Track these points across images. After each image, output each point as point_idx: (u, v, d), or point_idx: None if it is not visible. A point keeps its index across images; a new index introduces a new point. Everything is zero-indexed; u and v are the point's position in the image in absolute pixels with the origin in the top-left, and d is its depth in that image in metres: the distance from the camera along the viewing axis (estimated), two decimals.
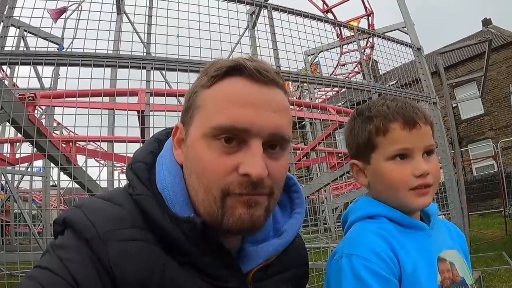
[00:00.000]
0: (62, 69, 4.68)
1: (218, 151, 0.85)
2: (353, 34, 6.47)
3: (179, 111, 4.18)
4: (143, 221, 0.86)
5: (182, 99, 3.95)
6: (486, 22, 29.17)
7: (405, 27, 6.65)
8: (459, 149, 7.42)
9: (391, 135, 1.16)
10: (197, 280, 0.86)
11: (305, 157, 6.59)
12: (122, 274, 0.78)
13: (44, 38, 4.60)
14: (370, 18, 10.72)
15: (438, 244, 1.18)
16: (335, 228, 9.03)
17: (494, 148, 18.73)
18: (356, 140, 1.25)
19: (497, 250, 8.58)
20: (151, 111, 3.57)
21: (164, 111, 3.59)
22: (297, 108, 6.04)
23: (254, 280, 0.95)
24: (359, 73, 11.61)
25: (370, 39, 7.82)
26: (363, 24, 10.65)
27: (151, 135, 3.43)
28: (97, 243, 0.79)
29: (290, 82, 4.37)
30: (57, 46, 5.18)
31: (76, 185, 4.96)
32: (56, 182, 9.95)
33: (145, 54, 3.81)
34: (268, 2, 4.63)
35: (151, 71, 3.66)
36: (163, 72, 3.96)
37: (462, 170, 7.85)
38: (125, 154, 3.74)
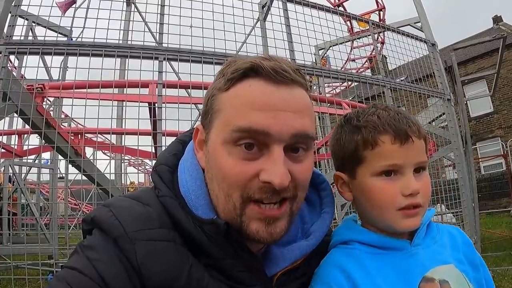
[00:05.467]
0: (71, 60, 4.62)
1: (238, 157, 0.83)
2: (363, 28, 6.37)
3: (192, 103, 4.13)
4: (170, 222, 0.87)
5: (194, 91, 3.90)
6: (497, 19, 28.98)
7: (418, 22, 6.54)
8: (471, 147, 7.32)
9: (380, 149, 1.04)
10: (222, 285, 0.85)
11: (314, 153, 6.52)
12: (149, 274, 0.78)
13: (52, 30, 4.54)
14: (381, 12, 10.61)
15: (425, 262, 1.06)
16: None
17: (503, 147, 18.61)
18: (342, 150, 1.12)
19: (506, 250, 8.49)
20: (163, 103, 3.49)
21: (177, 103, 3.51)
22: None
23: (279, 284, 0.93)
24: (369, 68, 11.52)
25: (381, 34, 7.72)
26: (374, 19, 10.55)
27: (163, 128, 3.37)
28: (125, 242, 0.80)
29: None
30: (66, 37, 5.13)
31: (84, 178, 4.92)
32: (63, 174, 9.94)
33: (157, 44, 3.73)
34: None
35: (164, 62, 3.59)
36: (175, 63, 3.86)
37: (474, 169, 7.75)
38: (135, 147, 3.66)
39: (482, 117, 24.00)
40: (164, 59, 3.61)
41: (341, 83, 8.94)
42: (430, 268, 1.05)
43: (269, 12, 4.50)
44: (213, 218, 0.86)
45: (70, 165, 4.62)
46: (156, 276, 0.79)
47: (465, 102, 8.17)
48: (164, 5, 3.93)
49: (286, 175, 0.82)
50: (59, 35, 4.72)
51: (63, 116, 7.94)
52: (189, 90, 3.83)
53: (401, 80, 5.59)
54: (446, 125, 6.06)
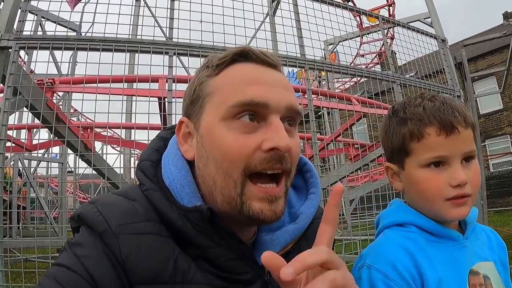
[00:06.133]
0: (80, 55, 4.64)
1: (238, 131, 0.85)
2: (373, 24, 6.33)
3: None
4: (156, 215, 0.86)
5: None
6: (507, 16, 28.64)
7: (428, 17, 6.49)
8: (481, 144, 7.29)
9: (426, 141, 1.05)
10: (209, 275, 0.85)
11: (323, 148, 6.53)
12: (134, 268, 0.79)
13: (61, 24, 4.56)
14: (391, 8, 10.55)
15: (472, 255, 1.08)
16: (350, 220, 8.98)
17: None
18: (391, 143, 1.15)
19: None
20: (173, 97, 3.50)
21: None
22: (315, 97, 5.97)
23: None
24: (378, 63, 11.48)
25: (391, 30, 7.68)
26: (383, 14, 10.49)
27: (173, 122, 3.38)
28: (109, 237, 0.80)
29: (311, 70, 4.28)
30: (75, 32, 5.15)
31: (93, 171, 4.95)
32: (72, 169, 10.02)
33: (167, 39, 3.74)
34: None
35: (174, 57, 3.59)
36: (185, 58, 3.86)
37: (483, 166, 7.71)
38: (146, 141, 3.67)
39: (491, 114, 23.77)
40: (174, 54, 3.61)
41: (350, 78, 8.92)
42: (476, 263, 1.07)
43: (279, 7, 4.49)
44: (196, 205, 0.86)
45: (79, 159, 4.64)
46: (141, 271, 0.79)
47: (474, 99, 8.11)
48: (174, 0, 3.92)
49: (289, 139, 0.85)
50: (68, 30, 4.74)
51: (72, 110, 7.98)
52: None
53: (411, 76, 5.55)
54: None
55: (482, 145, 21.80)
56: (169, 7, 3.90)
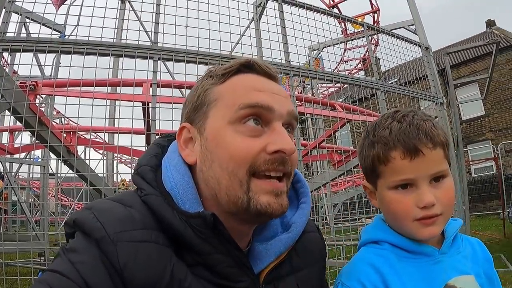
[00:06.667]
0: (64, 58, 4.59)
1: (245, 135, 0.89)
2: (358, 30, 6.37)
3: None
4: (154, 222, 0.86)
5: (188, 92, 3.84)
6: (490, 24, 29.26)
7: (412, 25, 6.57)
8: (463, 150, 7.39)
9: (392, 165, 1.07)
10: (205, 283, 0.85)
11: (307, 154, 6.56)
12: (131, 276, 0.78)
13: (46, 26, 4.51)
14: (376, 15, 10.66)
15: (449, 270, 1.09)
16: (333, 225, 9.02)
17: (494, 150, 18.79)
18: (364, 163, 1.18)
19: (495, 252, 8.57)
20: (157, 103, 3.48)
21: (171, 103, 3.50)
22: (299, 103, 5.99)
23: (267, 281, 0.94)
24: (362, 69, 11.59)
25: (375, 36, 7.76)
26: (368, 21, 10.57)
27: (157, 128, 3.35)
28: (106, 244, 0.79)
29: (295, 77, 4.29)
30: (59, 34, 5.09)
31: (75, 175, 4.88)
32: (54, 171, 9.88)
33: (151, 44, 3.72)
34: None
35: (158, 62, 3.57)
36: (170, 63, 3.84)
37: (465, 171, 7.82)
38: (129, 146, 3.63)
39: (473, 120, 24.24)
40: (159, 58, 3.59)
41: (334, 84, 8.99)
42: (453, 277, 1.08)
43: (264, 13, 4.50)
44: (199, 211, 0.87)
45: (62, 163, 4.58)
46: (138, 279, 0.78)
47: (457, 105, 8.23)
48: (159, 4, 3.89)
49: (293, 143, 0.91)
50: (53, 32, 4.68)
51: (55, 113, 7.87)
52: (183, 90, 3.80)
53: (394, 82, 5.62)
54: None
55: (464, 151, 22.15)
56: (154, 11, 3.88)
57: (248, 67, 0.97)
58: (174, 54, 3.60)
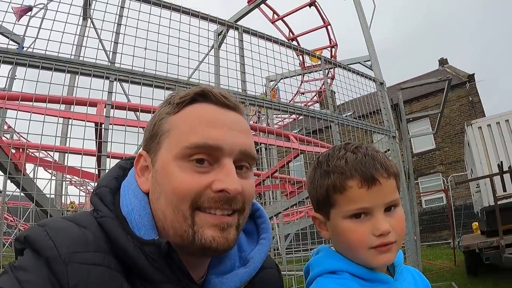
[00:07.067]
0: (20, 70, 4.45)
1: (190, 171, 0.86)
2: (315, 63, 6.52)
3: (140, 126, 4.06)
4: (107, 245, 0.83)
5: (142, 115, 3.80)
6: (443, 62, 30.91)
7: (368, 60, 6.82)
8: (414, 182, 7.64)
9: (348, 194, 1.08)
10: None
11: (260, 183, 6.55)
12: None
13: (3, 35, 4.38)
14: (333, 49, 10.96)
15: None
16: (285, 255, 9.01)
17: (444, 182, 19.55)
18: (316, 194, 1.18)
19: (447, 280, 8.88)
20: (110, 124, 3.41)
21: (124, 125, 3.41)
22: (254, 133, 6.02)
23: None
24: (318, 102, 11.83)
25: (332, 70, 7.92)
26: (326, 55, 10.83)
27: (108, 150, 3.26)
28: (57, 264, 0.76)
29: (251, 106, 4.32)
30: (17, 45, 4.95)
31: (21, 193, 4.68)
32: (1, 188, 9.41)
33: (109, 64, 3.65)
34: (238, 23, 4.57)
35: (115, 82, 3.50)
36: (126, 85, 3.73)
37: (416, 203, 8.08)
38: (78, 168, 3.51)
39: (424, 153, 25.31)
40: (115, 79, 3.51)
41: (289, 115, 9.09)
42: None
43: (224, 41, 4.55)
44: (154, 239, 0.85)
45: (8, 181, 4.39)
46: None
47: (409, 139, 8.54)
48: (120, 24, 3.83)
49: (239, 183, 0.87)
50: (10, 42, 4.55)
51: (6, 127, 7.58)
52: (137, 113, 3.73)
53: (348, 115, 5.77)
54: None
55: (415, 183, 22.90)
56: (114, 30, 3.81)
57: (203, 96, 0.94)
58: (131, 75, 3.53)
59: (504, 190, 8.35)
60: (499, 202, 7.56)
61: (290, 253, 8.43)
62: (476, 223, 12.74)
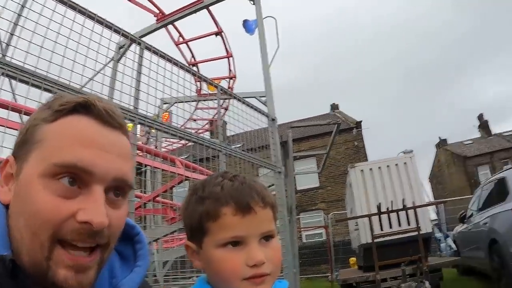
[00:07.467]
0: None
1: (54, 193, 0.76)
2: (212, 92, 6.55)
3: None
4: None
5: (27, 118, 3.46)
6: (334, 107, 33.61)
7: (263, 96, 6.99)
8: (295, 217, 8.08)
9: (222, 221, 1.03)
10: None
11: (140, 207, 6.34)
12: None
13: None
14: (232, 81, 11.14)
15: None
16: (163, 283, 8.79)
17: (325, 219, 20.82)
18: (189, 221, 1.11)
19: None
20: None
21: (4, 126, 3.03)
22: (140, 154, 5.95)
23: None
24: (208, 130, 11.95)
25: (227, 101, 7.88)
26: (223, 85, 10.85)
27: None
28: None
29: (141, 126, 4.16)
30: None
31: None
32: None
33: (0, 56, 3.33)
34: (142, 39, 4.50)
35: (1, 77, 3.13)
36: (14, 82, 3.34)
37: (297, 237, 8.52)
38: None
39: (308, 190, 26.74)
40: (3, 73, 3.14)
41: (179, 140, 8.99)
42: None
43: (125, 55, 4.42)
44: (2, 254, 0.74)
45: None
46: None
47: (293, 175, 9.00)
48: (20, 15, 3.45)
49: (106, 216, 0.78)
50: None
51: None
52: (22, 115, 3.38)
53: (237, 147, 5.88)
54: (274, 195, 6.44)
55: (297, 218, 24.06)
56: (13, 21, 3.43)
57: (85, 108, 0.83)
58: (21, 73, 3.23)
59: (381, 229, 9.20)
60: (376, 240, 8.19)
61: (168, 281, 8.20)
62: (354, 258, 13.72)
